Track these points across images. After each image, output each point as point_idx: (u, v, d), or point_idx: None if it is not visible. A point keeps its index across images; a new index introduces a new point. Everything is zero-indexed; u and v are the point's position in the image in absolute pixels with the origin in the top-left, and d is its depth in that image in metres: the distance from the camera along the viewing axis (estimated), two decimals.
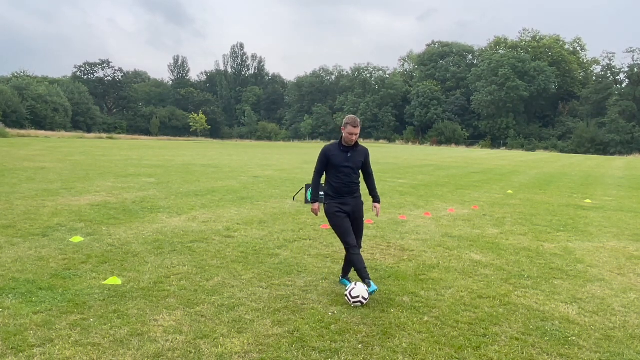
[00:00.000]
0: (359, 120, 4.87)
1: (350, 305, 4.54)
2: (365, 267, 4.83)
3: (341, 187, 4.89)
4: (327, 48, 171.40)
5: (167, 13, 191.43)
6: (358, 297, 4.54)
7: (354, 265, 4.85)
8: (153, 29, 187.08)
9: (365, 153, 5.02)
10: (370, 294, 4.62)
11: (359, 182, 5.04)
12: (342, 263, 5.85)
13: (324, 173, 5.04)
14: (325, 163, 4.93)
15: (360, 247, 5.01)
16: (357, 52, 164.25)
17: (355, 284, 4.63)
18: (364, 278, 4.74)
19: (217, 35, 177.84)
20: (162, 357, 3.45)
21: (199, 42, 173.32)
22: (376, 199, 5.21)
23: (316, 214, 5.13)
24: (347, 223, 4.87)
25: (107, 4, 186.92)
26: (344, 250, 5.04)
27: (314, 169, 5.09)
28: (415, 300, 4.77)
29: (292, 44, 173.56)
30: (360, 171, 5.04)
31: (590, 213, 10.97)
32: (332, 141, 5.14)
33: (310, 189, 5.06)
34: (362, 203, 5.07)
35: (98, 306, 4.27)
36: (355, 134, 4.81)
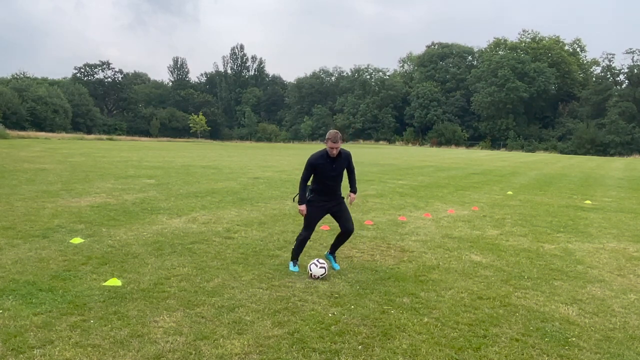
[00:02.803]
0: (339, 135, 5.37)
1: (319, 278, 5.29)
2: (300, 252, 5.70)
3: (326, 191, 5.52)
4: (326, 43, 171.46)
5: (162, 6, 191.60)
6: (317, 275, 5.30)
7: (296, 247, 5.70)
8: (147, 20, 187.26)
9: (348, 158, 5.60)
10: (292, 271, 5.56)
11: (340, 186, 5.71)
12: (341, 263, 5.87)
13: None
14: (312, 172, 5.49)
15: (352, 230, 5.71)
16: (356, 47, 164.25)
17: (310, 268, 5.34)
18: (292, 257, 5.68)
19: (217, 34, 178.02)
20: (162, 359, 3.45)
21: (198, 38, 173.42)
22: (352, 190, 5.80)
23: (303, 215, 5.63)
24: (315, 218, 5.60)
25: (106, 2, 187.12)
26: (337, 236, 5.85)
27: (301, 175, 5.60)
28: (415, 301, 4.77)
29: (291, 43, 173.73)
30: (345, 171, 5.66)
31: (590, 214, 10.97)
32: (317, 151, 5.55)
33: (298, 193, 5.60)
34: (342, 198, 5.68)
35: (98, 307, 4.27)
36: (336, 148, 5.35)
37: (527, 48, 77.05)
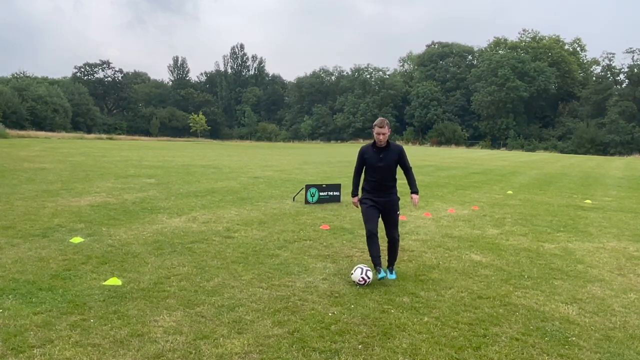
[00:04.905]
0: (386, 121, 5.24)
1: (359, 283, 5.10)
2: (379, 256, 5.30)
3: (375, 185, 5.36)
4: (326, 43, 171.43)
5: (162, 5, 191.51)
6: (355, 281, 5.11)
7: (368, 250, 5.37)
8: (147, 19, 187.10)
9: (399, 151, 5.37)
10: (379, 279, 5.16)
11: (394, 184, 5.45)
12: (341, 262, 5.86)
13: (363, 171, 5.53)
14: (362, 162, 5.42)
15: (397, 237, 5.52)
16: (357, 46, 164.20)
17: (354, 271, 5.17)
18: (375, 264, 5.28)
19: (217, 33, 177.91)
20: (162, 358, 3.45)
21: (198, 37, 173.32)
22: (413, 190, 5.58)
23: (356, 206, 5.64)
24: (373, 212, 5.34)
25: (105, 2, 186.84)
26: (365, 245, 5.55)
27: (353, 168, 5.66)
28: (416, 301, 4.77)
29: (291, 43, 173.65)
30: (399, 168, 5.44)
31: (590, 213, 10.96)
32: (368, 142, 5.56)
33: (352, 185, 5.66)
34: (396, 199, 5.49)
35: (98, 307, 4.27)
36: (383, 134, 5.19)
37: (527, 47, 77.07)
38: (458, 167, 25.06)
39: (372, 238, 5.30)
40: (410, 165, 5.50)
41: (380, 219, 5.48)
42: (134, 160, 21.27)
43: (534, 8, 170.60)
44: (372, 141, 5.37)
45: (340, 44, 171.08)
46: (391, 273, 5.48)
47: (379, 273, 5.15)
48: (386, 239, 5.57)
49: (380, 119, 5.26)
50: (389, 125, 5.23)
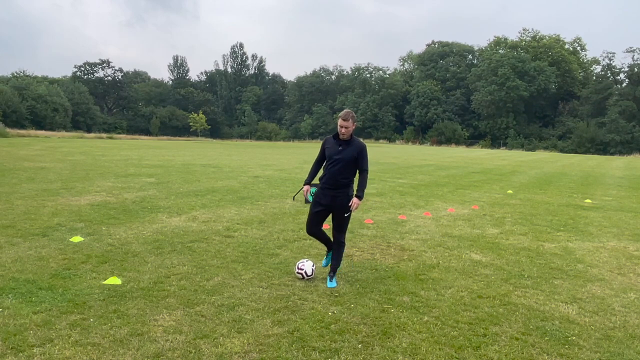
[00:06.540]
0: (350, 113, 4.97)
1: (295, 273, 5.30)
2: (327, 241, 5.36)
3: (328, 178, 5.09)
4: (327, 42, 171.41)
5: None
6: (302, 269, 5.24)
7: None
8: (146, 18, 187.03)
9: (360, 148, 5.05)
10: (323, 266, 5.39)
11: (349, 183, 5.11)
12: (341, 261, 5.85)
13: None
14: (322, 153, 5.20)
15: (342, 242, 5.24)
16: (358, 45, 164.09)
17: (307, 260, 5.38)
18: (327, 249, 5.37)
19: (217, 32, 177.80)
20: (162, 357, 3.45)
21: (198, 36, 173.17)
22: (358, 194, 5.08)
23: (305, 195, 5.65)
24: (315, 219, 5.25)
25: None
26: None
27: None
28: (415, 300, 4.77)
29: (291, 42, 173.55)
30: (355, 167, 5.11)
31: (590, 213, 10.97)
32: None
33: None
34: (347, 200, 5.07)
35: (98, 306, 4.27)
36: (345, 127, 4.93)
37: (527, 47, 77.06)
38: (458, 167, 25.06)
39: (312, 235, 5.41)
40: (367, 169, 5.14)
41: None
42: (134, 159, 21.27)
43: (534, 7, 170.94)
44: (336, 132, 5.14)
45: (340, 43, 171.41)
46: (330, 280, 5.11)
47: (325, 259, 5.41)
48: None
49: (345, 111, 5.01)
50: (354, 119, 4.96)
